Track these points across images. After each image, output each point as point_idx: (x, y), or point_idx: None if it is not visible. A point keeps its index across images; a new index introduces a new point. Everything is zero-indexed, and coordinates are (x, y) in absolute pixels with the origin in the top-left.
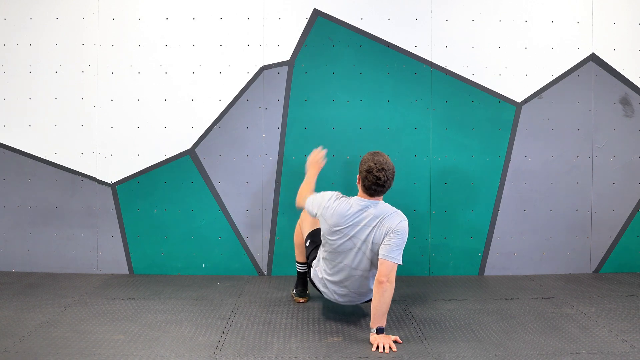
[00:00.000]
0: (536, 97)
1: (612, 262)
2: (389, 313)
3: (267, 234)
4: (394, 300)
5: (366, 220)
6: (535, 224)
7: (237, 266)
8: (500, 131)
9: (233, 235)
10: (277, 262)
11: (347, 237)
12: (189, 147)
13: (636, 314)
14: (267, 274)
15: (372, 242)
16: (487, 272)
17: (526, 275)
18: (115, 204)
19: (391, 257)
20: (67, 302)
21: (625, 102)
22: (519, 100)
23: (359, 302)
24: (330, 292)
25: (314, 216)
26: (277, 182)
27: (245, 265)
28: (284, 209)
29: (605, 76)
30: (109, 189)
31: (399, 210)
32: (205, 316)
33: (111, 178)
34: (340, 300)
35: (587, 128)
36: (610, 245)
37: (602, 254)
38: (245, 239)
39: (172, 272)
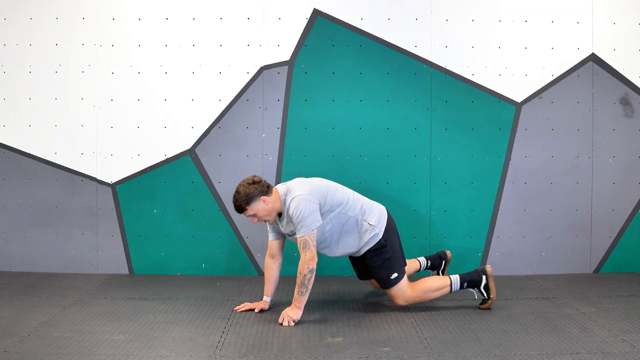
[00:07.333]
0: (536, 97)
1: (612, 262)
2: (388, 312)
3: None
4: None
5: None
6: (535, 224)
7: (237, 266)
8: (500, 131)
9: (233, 235)
10: None
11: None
12: (189, 147)
13: (636, 314)
14: None
15: None
16: None
17: (526, 275)
18: (115, 204)
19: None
20: (67, 302)
21: (625, 102)
22: (519, 100)
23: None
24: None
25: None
26: (277, 182)
27: (245, 265)
28: None
29: (605, 76)
30: (109, 189)
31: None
32: (205, 316)
33: (111, 178)
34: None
35: (587, 128)
36: (610, 245)
37: (602, 254)
38: (245, 239)
39: (172, 272)
